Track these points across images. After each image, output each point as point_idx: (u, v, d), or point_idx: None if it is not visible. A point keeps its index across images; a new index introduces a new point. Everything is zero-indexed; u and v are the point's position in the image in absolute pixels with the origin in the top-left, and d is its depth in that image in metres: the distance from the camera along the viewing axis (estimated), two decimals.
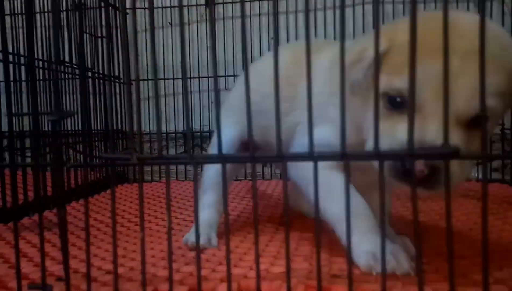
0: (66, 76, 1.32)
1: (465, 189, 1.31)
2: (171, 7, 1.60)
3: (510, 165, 1.48)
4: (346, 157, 0.44)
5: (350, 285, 0.45)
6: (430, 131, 0.49)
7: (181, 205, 1.19)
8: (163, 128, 1.64)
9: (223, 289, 0.55)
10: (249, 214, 1.05)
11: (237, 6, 1.56)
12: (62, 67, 1.23)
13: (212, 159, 0.49)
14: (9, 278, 0.63)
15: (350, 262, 0.44)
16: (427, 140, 0.49)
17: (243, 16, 0.45)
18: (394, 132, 0.52)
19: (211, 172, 0.87)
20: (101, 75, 1.38)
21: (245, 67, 0.46)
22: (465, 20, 0.53)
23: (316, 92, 0.46)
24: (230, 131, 0.86)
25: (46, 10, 1.33)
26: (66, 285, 0.52)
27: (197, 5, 1.59)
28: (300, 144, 0.70)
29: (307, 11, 0.43)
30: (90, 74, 1.34)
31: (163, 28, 1.62)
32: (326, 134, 0.59)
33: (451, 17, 0.40)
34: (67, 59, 1.26)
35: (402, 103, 0.53)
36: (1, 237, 0.87)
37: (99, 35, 1.37)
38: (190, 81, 1.58)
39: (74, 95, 1.35)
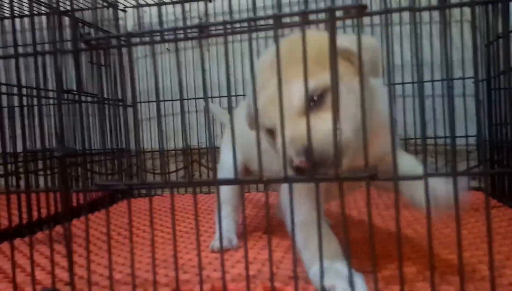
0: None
1: None
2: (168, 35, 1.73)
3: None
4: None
5: (296, 285, 0.56)
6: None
7: (179, 217, 1.31)
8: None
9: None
10: (256, 223, 1.20)
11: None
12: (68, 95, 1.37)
13: (160, 184, 0.61)
14: (25, 284, 0.75)
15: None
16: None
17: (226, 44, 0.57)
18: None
19: (224, 189, 1.00)
20: (107, 101, 1.51)
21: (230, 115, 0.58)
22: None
23: None
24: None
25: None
26: (71, 287, 0.64)
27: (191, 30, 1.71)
28: None
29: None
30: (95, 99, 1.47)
31: (161, 54, 1.75)
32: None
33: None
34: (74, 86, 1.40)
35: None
36: (18, 250, 0.99)
37: (104, 64, 1.51)
38: (188, 102, 1.71)
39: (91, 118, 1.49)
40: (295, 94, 0.61)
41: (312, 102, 0.61)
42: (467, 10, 1.53)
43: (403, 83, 1.59)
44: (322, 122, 0.59)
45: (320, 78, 0.61)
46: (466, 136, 1.56)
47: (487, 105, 1.37)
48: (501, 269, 0.71)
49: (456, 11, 1.55)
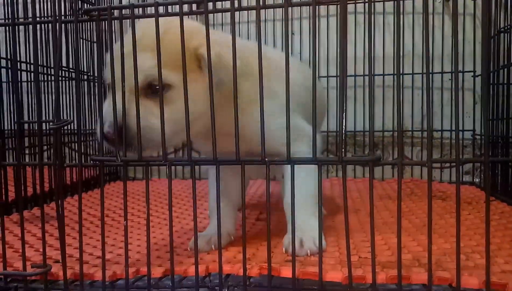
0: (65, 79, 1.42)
1: (435, 190, 1.42)
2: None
3: (480, 168, 1.58)
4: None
5: (293, 268, 0.55)
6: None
7: (173, 201, 1.29)
8: None
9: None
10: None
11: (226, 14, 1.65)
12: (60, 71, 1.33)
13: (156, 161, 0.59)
14: (14, 260, 0.73)
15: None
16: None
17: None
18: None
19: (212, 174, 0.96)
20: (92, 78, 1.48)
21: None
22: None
23: None
24: None
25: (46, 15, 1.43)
26: (62, 265, 0.63)
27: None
28: None
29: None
30: (85, 77, 1.44)
31: None
32: None
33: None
34: (64, 63, 1.35)
35: None
36: (5, 227, 0.97)
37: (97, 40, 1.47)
38: None
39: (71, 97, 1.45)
40: (140, 74, 0.61)
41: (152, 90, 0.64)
42: (470, 4, 1.52)
43: (383, 75, 1.57)
44: (148, 114, 0.63)
45: (171, 73, 0.63)
46: (463, 130, 1.54)
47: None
48: (494, 258, 0.72)
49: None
